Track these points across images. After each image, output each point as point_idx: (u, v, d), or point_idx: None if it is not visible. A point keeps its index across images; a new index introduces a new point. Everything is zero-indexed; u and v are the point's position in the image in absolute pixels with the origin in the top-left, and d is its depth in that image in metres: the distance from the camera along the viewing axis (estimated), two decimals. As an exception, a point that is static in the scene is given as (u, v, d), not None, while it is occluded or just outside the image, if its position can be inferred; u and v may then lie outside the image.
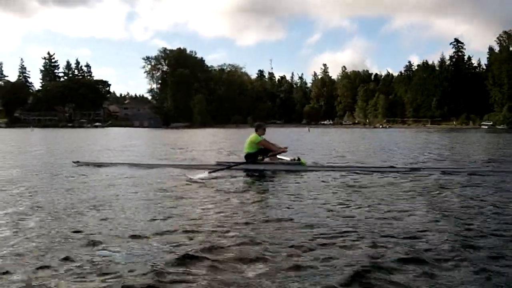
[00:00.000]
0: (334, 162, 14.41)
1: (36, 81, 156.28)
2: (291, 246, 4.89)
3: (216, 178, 10.64)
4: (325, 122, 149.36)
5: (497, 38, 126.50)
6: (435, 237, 5.22)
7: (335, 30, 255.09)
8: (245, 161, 12.41)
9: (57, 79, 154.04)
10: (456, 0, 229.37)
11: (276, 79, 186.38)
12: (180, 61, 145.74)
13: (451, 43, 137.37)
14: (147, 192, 8.66)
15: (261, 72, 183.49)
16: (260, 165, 12.05)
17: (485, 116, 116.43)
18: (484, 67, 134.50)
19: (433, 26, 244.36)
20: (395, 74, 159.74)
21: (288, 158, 12.53)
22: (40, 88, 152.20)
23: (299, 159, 12.42)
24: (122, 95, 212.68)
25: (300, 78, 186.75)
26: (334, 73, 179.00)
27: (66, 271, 4.16)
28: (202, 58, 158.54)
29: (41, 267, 4.26)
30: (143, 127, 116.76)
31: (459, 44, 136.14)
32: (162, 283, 3.89)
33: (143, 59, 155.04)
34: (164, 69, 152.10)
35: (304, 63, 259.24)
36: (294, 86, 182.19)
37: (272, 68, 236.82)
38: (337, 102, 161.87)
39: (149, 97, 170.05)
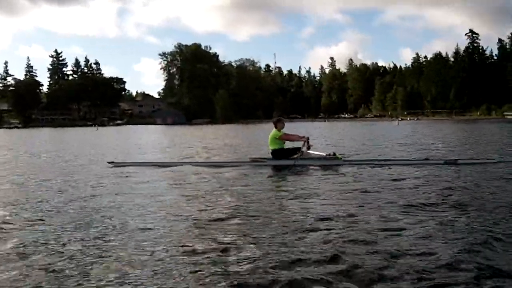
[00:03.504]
0: (371, 156, 14.71)
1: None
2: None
3: (248, 174, 10.95)
4: (345, 115, 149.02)
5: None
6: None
7: (328, 23, 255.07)
8: (271, 157, 12.64)
9: (65, 78, 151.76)
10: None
11: (284, 74, 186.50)
12: (197, 57, 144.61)
13: (466, 34, 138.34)
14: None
15: (268, 67, 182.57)
16: (298, 160, 12.02)
17: (504, 107, 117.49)
18: (495, 57, 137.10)
19: (425, 17, 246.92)
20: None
21: (324, 153, 12.71)
22: (48, 87, 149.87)
23: (334, 154, 12.57)
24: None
25: (308, 72, 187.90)
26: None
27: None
28: (216, 53, 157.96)
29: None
30: (166, 124, 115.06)
31: (474, 35, 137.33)
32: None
33: (160, 55, 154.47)
34: (179, 65, 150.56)
35: (299, 57, 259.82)
36: (303, 80, 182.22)
37: (276, 63, 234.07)
38: (347, 95, 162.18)
39: (157, 94, 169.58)
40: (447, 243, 4.75)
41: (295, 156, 12.19)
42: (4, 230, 5.72)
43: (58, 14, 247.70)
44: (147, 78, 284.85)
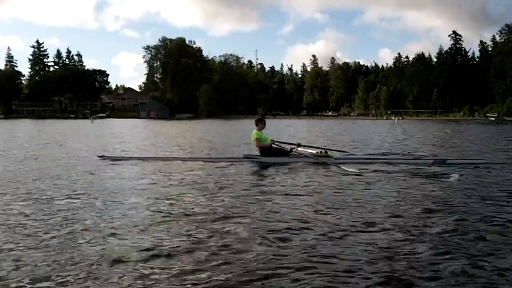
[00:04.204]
0: (362, 154, 14.76)
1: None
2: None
3: (241, 170, 11.17)
4: (328, 113, 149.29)
5: (499, 31, 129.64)
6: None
7: (307, 22, 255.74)
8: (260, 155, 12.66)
9: (47, 69, 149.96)
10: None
11: (266, 70, 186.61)
12: (181, 51, 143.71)
13: (449, 35, 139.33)
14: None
15: (250, 63, 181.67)
16: (290, 158, 12.35)
17: (486, 108, 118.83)
18: (477, 59, 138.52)
19: (404, 18, 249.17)
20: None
21: (315, 151, 12.87)
22: (29, 77, 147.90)
23: (326, 151, 12.75)
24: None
25: (290, 69, 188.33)
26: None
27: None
28: (200, 48, 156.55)
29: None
30: (150, 118, 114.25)
31: (457, 36, 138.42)
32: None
33: (144, 48, 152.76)
34: (162, 59, 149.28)
35: (279, 54, 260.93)
36: (286, 77, 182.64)
37: (257, 59, 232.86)
38: (329, 94, 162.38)
39: (137, 88, 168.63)
40: (428, 243, 4.90)
41: (293, 151, 12.49)
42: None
43: (35, 4, 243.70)
44: (125, 72, 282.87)
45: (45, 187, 8.62)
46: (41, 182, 9.20)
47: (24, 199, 7.40)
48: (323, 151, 12.74)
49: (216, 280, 3.91)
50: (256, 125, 12.84)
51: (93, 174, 10.54)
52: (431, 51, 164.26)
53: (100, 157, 13.52)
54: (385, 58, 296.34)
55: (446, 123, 67.63)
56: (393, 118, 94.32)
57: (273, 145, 12.70)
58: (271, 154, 12.48)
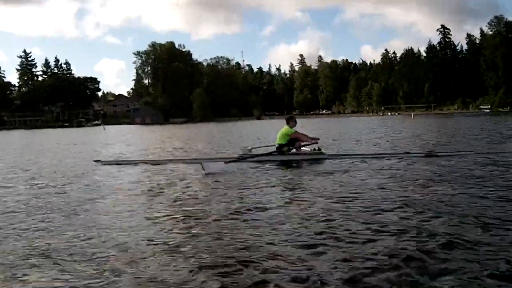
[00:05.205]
0: (352, 151, 15.29)
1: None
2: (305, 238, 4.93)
3: (240, 168, 11.32)
4: (322, 112, 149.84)
5: (488, 23, 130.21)
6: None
7: (288, 22, 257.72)
8: (273, 151, 13.03)
9: (35, 78, 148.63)
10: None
11: (255, 71, 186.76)
12: (172, 56, 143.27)
13: (437, 30, 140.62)
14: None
15: (238, 65, 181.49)
16: (284, 156, 12.71)
17: (478, 100, 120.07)
18: (465, 52, 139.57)
19: (384, 15, 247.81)
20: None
21: (309, 149, 13.34)
22: (18, 88, 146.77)
23: (319, 149, 13.13)
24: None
25: (278, 69, 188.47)
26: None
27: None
28: (189, 51, 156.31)
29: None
30: (145, 124, 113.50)
31: (445, 30, 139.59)
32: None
33: (134, 54, 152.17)
34: (153, 64, 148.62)
35: (262, 55, 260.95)
36: (275, 78, 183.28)
37: (244, 61, 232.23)
38: (319, 92, 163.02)
39: (126, 94, 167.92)
40: (421, 235, 4.78)
41: (284, 149, 12.74)
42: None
43: (15, 15, 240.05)
44: (108, 79, 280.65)
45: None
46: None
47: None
48: (317, 148, 13.12)
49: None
50: (288, 123, 13.17)
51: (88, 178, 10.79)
52: (414, 46, 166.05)
53: (95, 161, 14.03)
54: (367, 55, 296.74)
55: (449, 117, 67.44)
56: (411, 113, 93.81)
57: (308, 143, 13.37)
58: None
